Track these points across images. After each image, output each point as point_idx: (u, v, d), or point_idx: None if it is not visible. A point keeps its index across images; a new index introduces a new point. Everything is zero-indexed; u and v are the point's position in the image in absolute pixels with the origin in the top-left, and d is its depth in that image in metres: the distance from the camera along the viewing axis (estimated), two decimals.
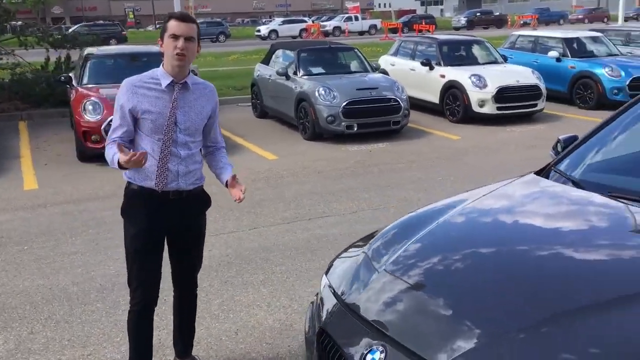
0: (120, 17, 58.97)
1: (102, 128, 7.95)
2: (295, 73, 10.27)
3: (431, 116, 11.47)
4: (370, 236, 2.82)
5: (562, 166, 3.05)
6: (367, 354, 1.99)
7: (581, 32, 13.58)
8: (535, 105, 10.79)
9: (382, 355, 1.95)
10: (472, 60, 11.61)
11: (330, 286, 2.50)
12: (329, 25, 45.37)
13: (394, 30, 38.61)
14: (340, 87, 9.55)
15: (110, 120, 3.02)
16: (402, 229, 2.69)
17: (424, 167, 7.95)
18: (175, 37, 2.77)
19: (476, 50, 11.94)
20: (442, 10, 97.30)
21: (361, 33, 44.09)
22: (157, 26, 49.48)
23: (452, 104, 10.97)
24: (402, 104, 9.57)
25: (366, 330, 2.09)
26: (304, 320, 2.76)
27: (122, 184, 3.03)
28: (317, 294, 2.72)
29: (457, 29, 46.76)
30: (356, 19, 46.13)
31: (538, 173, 3.06)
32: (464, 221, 2.65)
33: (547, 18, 51.64)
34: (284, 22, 45.54)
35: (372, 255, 2.53)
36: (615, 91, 11.55)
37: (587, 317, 1.83)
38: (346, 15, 47.72)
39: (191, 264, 3.21)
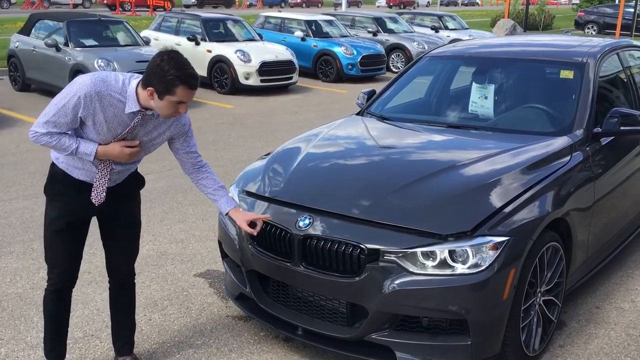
0: None
1: None
2: (66, 44, 10.25)
3: (200, 89, 12.35)
4: (261, 158, 3.86)
5: (371, 109, 4.46)
6: (298, 222, 3.05)
7: (319, 16, 15.77)
8: (291, 78, 12.51)
9: (310, 220, 3.03)
10: (233, 37, 12.83)
11: (246, 191, 3.46)
12: None
13: (122, 5, 37.98)
14: (119, 59, 9.92)
15: None
16: (285, 154, 3.76)
17: (213, 131, 8.95)
18: (181, 102, 2.55)
19: (235, 28, 13.18)
20: None
21: None
22: None
23: (220, 77, 12.08)
24: None
25: (292, 210, 3.14)
26: (217, 227, 3.66)
27: None
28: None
29: (187, 6, 47.43)
30: None
31: (357, 114, 4.43)
32: (326, 144, 3.85)
33: (271, 2, 55.45)
34: None
35: (274, 166, 3.57)
36: (350, 66, 13.92)
37: (420, 182, 3.19)
38: None
39: (125, 252, 3.01)
